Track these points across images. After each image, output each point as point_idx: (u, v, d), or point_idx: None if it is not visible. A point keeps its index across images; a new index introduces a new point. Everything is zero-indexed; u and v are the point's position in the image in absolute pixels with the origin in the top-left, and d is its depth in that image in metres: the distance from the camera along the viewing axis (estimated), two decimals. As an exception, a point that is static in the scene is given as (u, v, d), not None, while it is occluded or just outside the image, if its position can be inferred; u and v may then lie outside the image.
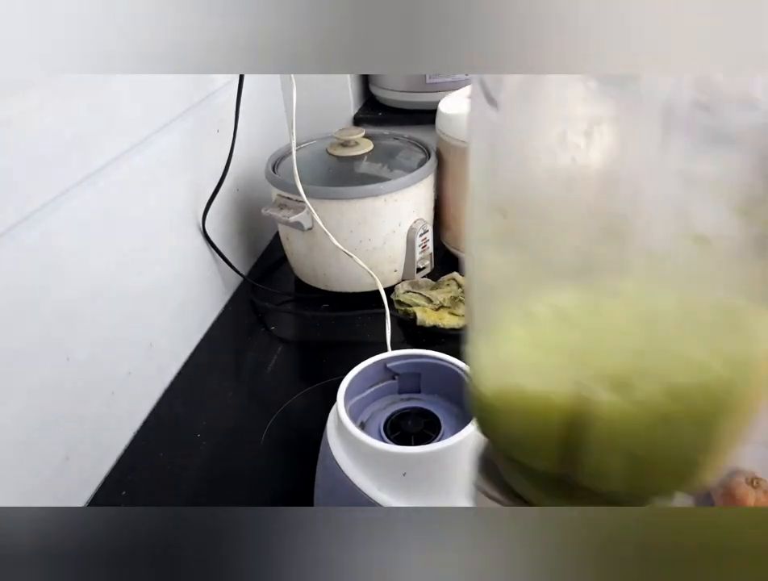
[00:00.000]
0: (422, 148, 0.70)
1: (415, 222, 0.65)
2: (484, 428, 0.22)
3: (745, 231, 0.15)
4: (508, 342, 0.19)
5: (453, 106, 0.66)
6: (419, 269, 0.68)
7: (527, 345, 0.19)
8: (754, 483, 0.87)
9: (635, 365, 0.17)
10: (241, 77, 0.64)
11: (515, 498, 0.21)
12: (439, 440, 0.32)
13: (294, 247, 0.68)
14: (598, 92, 0.15)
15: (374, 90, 0.92)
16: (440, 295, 0.62)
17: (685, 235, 0.15)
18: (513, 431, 0.20)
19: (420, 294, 0.63)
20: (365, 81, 0.94)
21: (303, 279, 0.71)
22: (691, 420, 0.17)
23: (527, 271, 0.18)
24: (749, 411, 0.19)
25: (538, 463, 0.20)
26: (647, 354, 0.17)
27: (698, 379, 0.17)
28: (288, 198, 0.63)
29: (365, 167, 0.66)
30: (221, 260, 0.67)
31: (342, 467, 0.35)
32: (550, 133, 0.16)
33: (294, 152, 0.61)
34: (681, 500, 0.21)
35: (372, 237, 0.63)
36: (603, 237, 0.16)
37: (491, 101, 0.17)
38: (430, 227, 0.68)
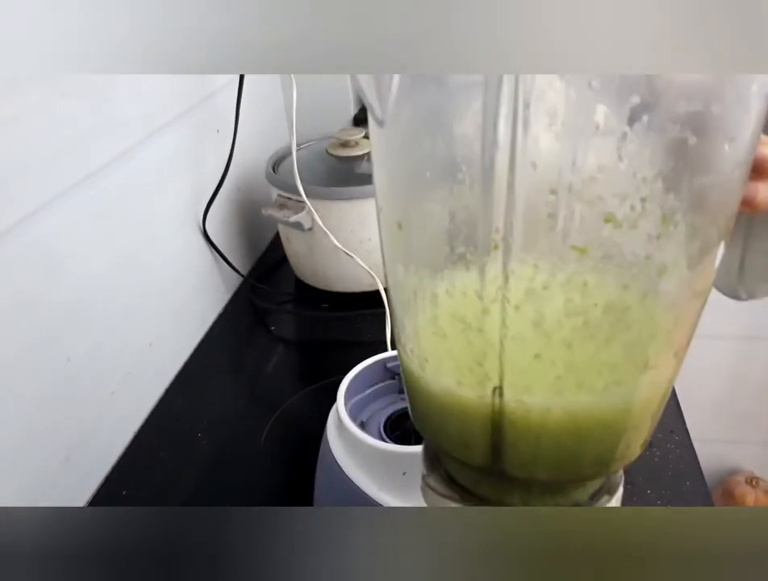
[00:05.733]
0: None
1: (415, 222, 0.65)
2: (419, 424, 0.23)
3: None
4: (426, 347, 0.20)
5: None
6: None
7: (441, 349, 0.20)
8: (753, 483, 0.87)
9: (533, 370, 0.18)
10: (241, 77, 0.64)
11: (457, 487, 0.22)
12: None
13: (294, 247, 0.68)
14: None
15: (374, 90, 0.92)
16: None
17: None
18: (443, 429, 0.21)
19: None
20: (365, 81, 0.94)
21: (303, 279, 0.71)
22: (591, 428, 0.18)
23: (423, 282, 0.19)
24: (654, 410, 0.19)
25: (470, 459, 0.21)
26: (542, 363, 0.17)
27: (589, 400, 0.18)
28: (288, 198, 0.63)
29: (364, 167, 0.66)
30: (221, 260, 0.67)
31: (342, 466, 0.35)
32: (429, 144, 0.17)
33: (294, 153, 0.61)
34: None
35: (372, 237, 0.63)
36: (486, 250, 0.17)
37: (377, 120, 0.17)
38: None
